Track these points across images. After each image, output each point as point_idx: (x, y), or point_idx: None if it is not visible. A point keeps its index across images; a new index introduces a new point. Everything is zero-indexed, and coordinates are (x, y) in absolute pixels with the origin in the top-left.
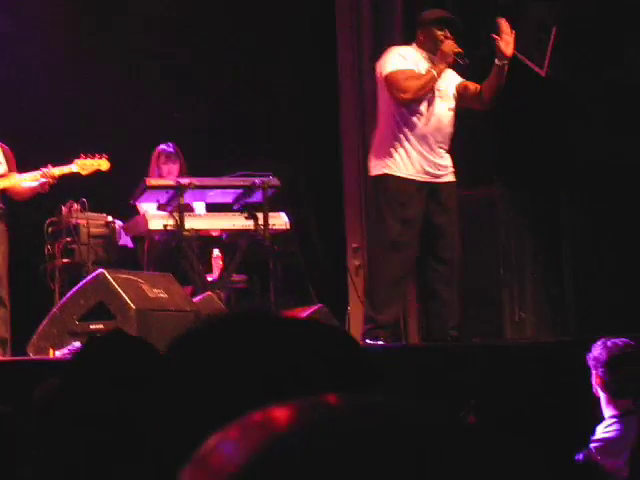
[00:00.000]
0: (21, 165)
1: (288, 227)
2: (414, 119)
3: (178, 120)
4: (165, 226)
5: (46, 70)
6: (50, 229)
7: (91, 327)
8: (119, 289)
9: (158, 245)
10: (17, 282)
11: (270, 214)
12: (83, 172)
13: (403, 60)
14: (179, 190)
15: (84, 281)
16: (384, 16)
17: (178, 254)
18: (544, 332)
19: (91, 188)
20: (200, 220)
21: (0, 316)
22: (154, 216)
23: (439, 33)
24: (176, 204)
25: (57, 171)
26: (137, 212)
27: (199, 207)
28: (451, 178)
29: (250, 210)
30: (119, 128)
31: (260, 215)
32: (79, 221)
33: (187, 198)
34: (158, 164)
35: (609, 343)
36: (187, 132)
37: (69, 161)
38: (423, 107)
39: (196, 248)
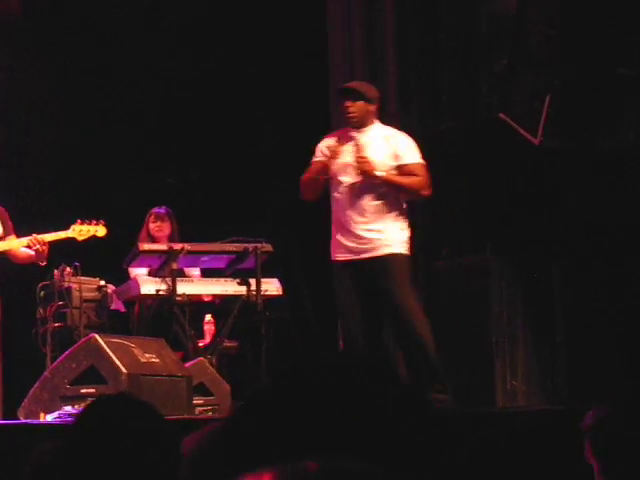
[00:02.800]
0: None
1: (280, 293)
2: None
3: (171, 185)
4: (157, 291)
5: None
6: (42, 292)
7: (82, 391)
8: (111, 353)
9: (150, 310)
10: (9, 345)
11: (262, 280)
12: (79, 238)
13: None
14: (171, 255)
15: (76, 345)
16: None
17: (170, 319)
18: (536, 400)
19: (83, 252)
20: (192, 285)
21: None
22: (146, 280)
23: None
24: (168, 269)
25: (50, 237)
26: (129, 276)
27: (193, 270)
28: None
29: (242, 276)
30: (113, 192)
31: (252, 281)
32: (71, 285)
33: (180, 263)
34: (148, 223)
35: (600, 411)
36: (180, 197)
37: (66, 226)
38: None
39: (188, 313)
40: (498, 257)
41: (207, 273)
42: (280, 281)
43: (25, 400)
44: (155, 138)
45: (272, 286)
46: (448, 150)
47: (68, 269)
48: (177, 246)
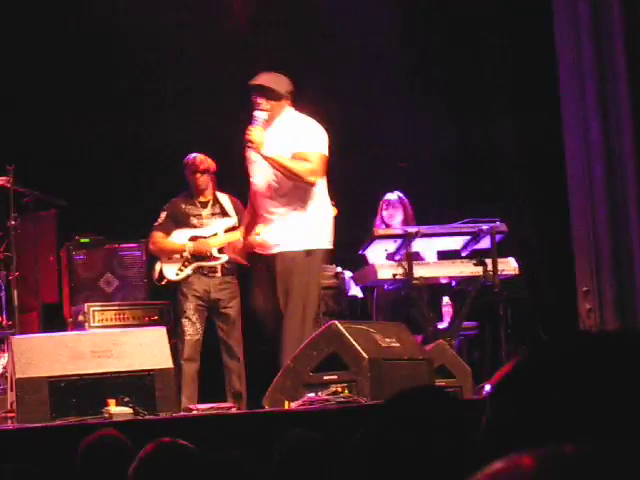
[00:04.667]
0: None
1: (517, 272)
2: None
3: (403, 169)
4: (394, 275)
5: None
6: None
7: (325, 378)
8: (351, 339)
9: (387, 294)
10: (248, 336)
11: (499, 260)
12: None
13: None
14: (407, 239)
15: (316, 333)
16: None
17: (408, 303)
18: None
19: None
20: (429, 268)
21: (234, 370)
22: (383, 265)
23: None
24: (404, 253)
25: None
26: (366, 262)
27: (430, 254)
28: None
29: (479, 256)
30: (343, 179)
31: (489, 261)
32: None
33: (415, 246)
34: (381, 211)
35: None
36: (412, 181)
37: None
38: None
39: (426, 296)
40: None
41: (443, 255)
42: (517, 260)
43: (269, 389)
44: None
45: (509, 265)
46: None
47: None
48: (412, 229)
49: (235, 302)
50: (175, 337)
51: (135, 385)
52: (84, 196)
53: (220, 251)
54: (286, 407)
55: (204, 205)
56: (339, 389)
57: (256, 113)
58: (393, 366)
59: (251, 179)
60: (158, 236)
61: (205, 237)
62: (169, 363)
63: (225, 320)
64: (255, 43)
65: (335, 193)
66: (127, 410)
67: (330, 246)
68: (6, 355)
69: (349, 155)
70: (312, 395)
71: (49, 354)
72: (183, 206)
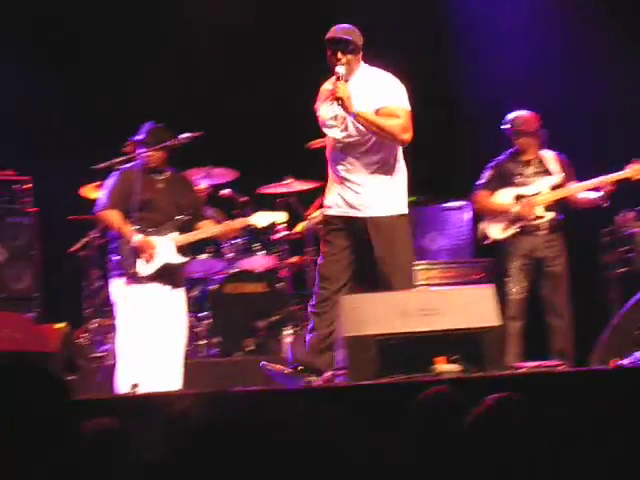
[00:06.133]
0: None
1: None
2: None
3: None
4: None
5: None
6: (606, 238)
7: None
8: None
9: None
10: (576, 292)
11: None
12: (635, 177)
13: None
14: None
15: None
16: None
17: None
18: None
19: None
20: None
21: (560, 328)
22: None
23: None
24: None
25: (610, 178)
26: None
27: None
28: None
29: None
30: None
31: None
32: (634, 230)
33: None
34: None
35: None
36: None
37: (620, 168)
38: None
39: None
40: None
41: None
42: None
43: (597, 347)
44: None
45: None
46: None
47: (630, 214)
48: None
49: (561, 260)
50: (500, 296)
51: (463, 343)
52: (410, 155)
53: (546, 209)
54: (611, 365)
55: (528, 164)
56: None
57: (338, 69)
58: None
59: (329, 139)
60: (483, 195)
61: (529, 196)
62: (497, 321)
63: (550, 278)
64: None
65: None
66: (455, 368)
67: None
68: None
69: None
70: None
71: (377, 312)
72: (508, 165)
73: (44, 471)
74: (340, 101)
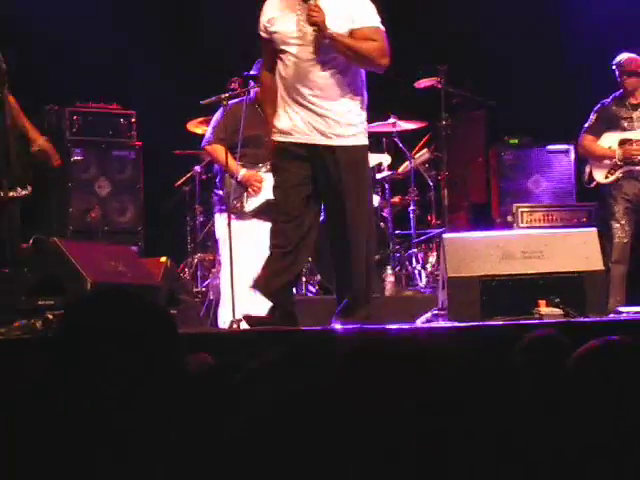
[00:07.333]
0: None
1: None
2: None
3: None
4: None
5: None
6: None
7: None
8: None
9: None
10: None
11: None
12: None
13: None
14: None
15: None
16: None
17: None
18: None
19: None
20: None
21: None
22: None
23: None
24: None
25: None
26: None
27: None
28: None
29: None
30: None
31: None
32: None
33: None
34: None
35: None
36: None
37: None
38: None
39: None
40: None
41: None
42: None
43: None
44: None
45: None
46: None
47: None
48: None
49: None
50: (604, 240)
51: (565, 286)
52: (514, 96)
53: None
54: None
55: (635, 107)
56: None
57: None
58: None
59: (286, 58)
60: (588, 139)
61: (635, 140)
62: (600, 265)
63: None
64: None
65: None
66: (557, 311)
67: None
68: (435, 253)
69: None
70: None
71: (480, 253)
72: (614, 108)
73: (150, 402)
74: (316, 27)
